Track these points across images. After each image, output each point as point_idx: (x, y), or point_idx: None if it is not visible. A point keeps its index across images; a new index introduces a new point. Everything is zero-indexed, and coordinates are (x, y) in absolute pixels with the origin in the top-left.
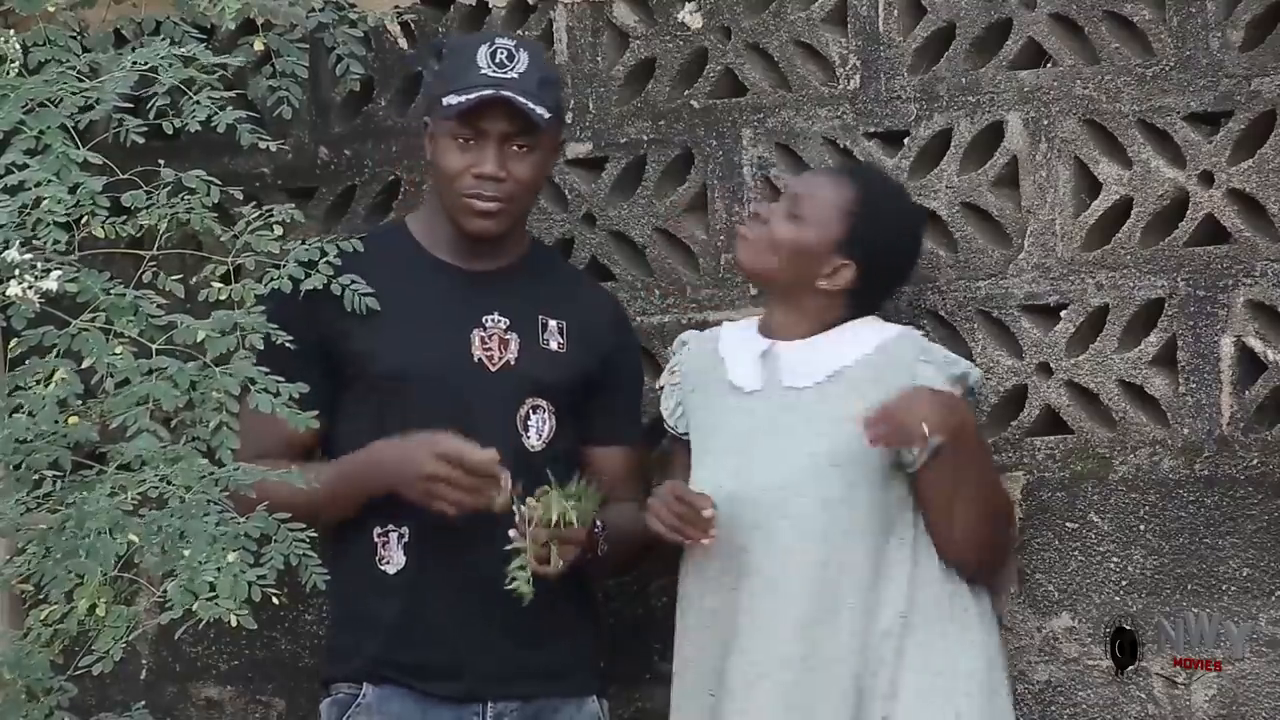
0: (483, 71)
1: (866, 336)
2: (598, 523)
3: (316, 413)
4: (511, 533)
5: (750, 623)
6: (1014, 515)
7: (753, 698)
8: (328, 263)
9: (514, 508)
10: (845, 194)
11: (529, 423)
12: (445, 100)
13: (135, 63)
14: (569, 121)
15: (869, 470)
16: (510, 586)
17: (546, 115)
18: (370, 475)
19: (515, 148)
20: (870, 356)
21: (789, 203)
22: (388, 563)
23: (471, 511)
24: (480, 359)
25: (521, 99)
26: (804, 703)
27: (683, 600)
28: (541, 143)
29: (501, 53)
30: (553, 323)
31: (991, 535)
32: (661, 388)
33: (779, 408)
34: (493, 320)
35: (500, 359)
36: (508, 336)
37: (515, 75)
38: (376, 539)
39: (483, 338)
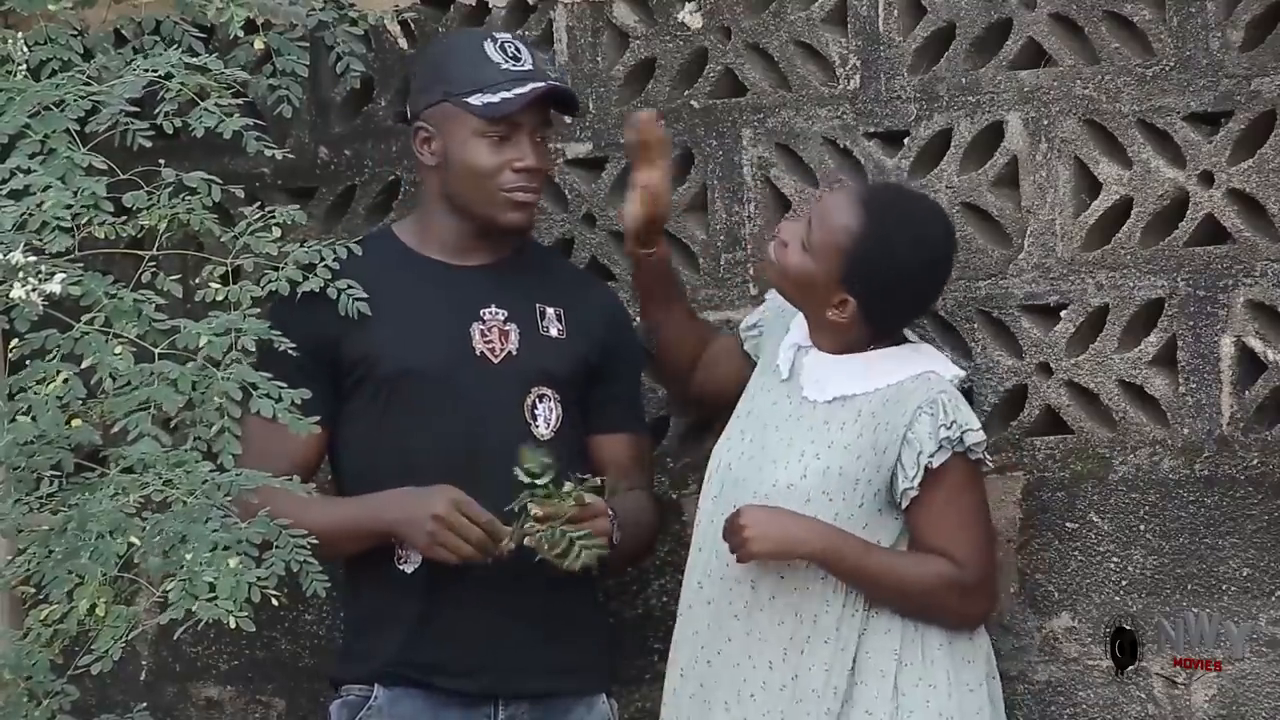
0: (504, 66)
1: (890, 370)
2: (610, 510)
3: (318, 418)
4: (528, 541)
5: (732, 637)
6: (962, 588)
7: (737, 714)
8: (326, 266)
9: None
10: (850, 226)
11: (536, 411)
12: (476, 99)
13: (145, 69)
14: (568, 121)
15: (857, 504)
16: (580, 565)
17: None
18: (379, 511)
19: (539, 138)
20: (882, 391)
21: (805, 228)
22: (405, 561)
23: (467, 560)
24: (482, 352)
25: (573, 93)
26: None
27: (686, 572)
28: (551, 131)
29: (510, 46)
30: (550, 310)
31: (928, 616)
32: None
33: (793, 412)
34: (490, 312)
35: (502, 350)
36: (507, 327)
37: (532, 66)
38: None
39: (482, 330)
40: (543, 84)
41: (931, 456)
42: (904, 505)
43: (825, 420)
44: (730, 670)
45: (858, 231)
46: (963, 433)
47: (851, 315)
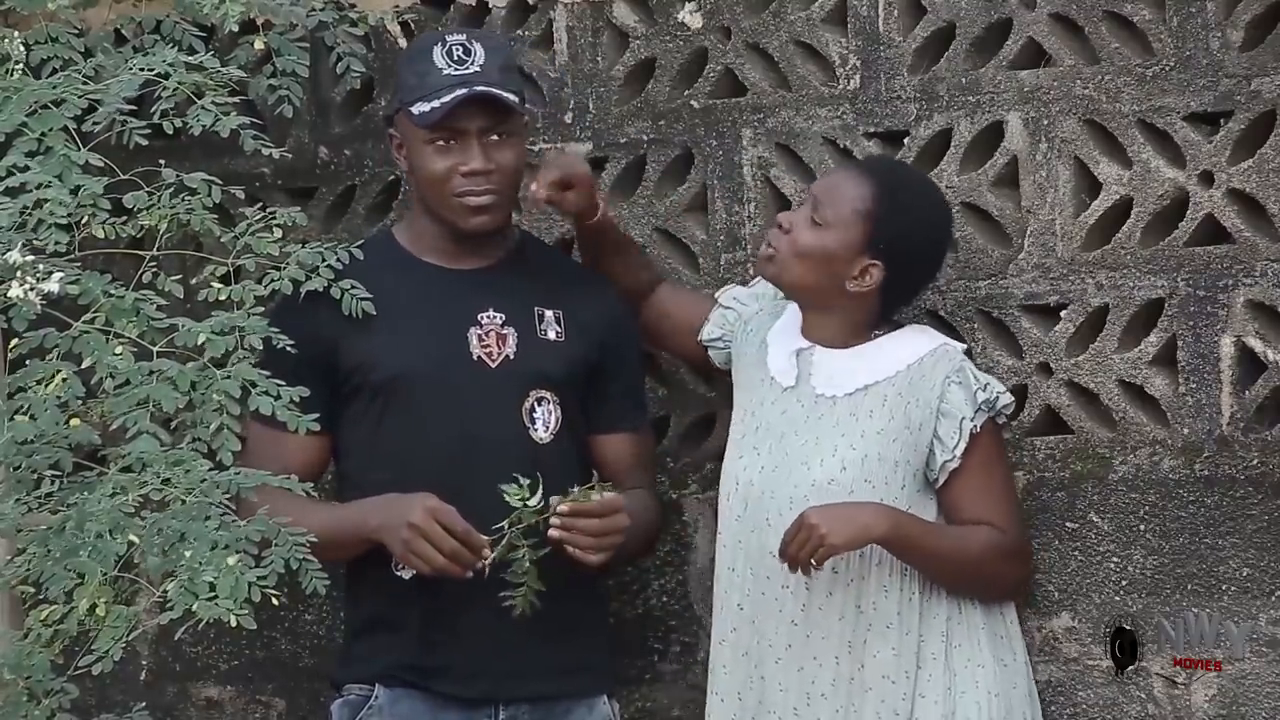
0: (445, 72)
1: (904, 351)
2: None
3: (317, 415)
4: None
5: (791, 643)
6: (1009, 554)
7: (808, 716)
8: (329, 267)
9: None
10: (865, 192)
11: (535, 415)
12: (416, 109)
13: (142, 67)
14: (568, 121)
15: (899, 486)
16: (509, 604)
17: (516, 100)
18: (362, 518)
19: (495, 138)
20: (904, 373)
21: (811, 207)
22: (403, 568)
23: (441, 574)
24: (480, 356)
25: (497, 90)
26: None
27: (717, 599)
28: (517, 128)
29: (458, 49)
30: (549, 313)
31: (980, 587)
32: (716, 301)
33: (811, 413)
34: (488, 317)
35: (500, 354)
36: (505, 331)
37: (478, 68)
38: None
39: (480, 335)
40: (463, 90)
41: (973, 421)
42: (941, 480)
43: (851, 413)
44: (795, 676)
45: (874, 194)
46: (996, 395)
47: (874, 282)
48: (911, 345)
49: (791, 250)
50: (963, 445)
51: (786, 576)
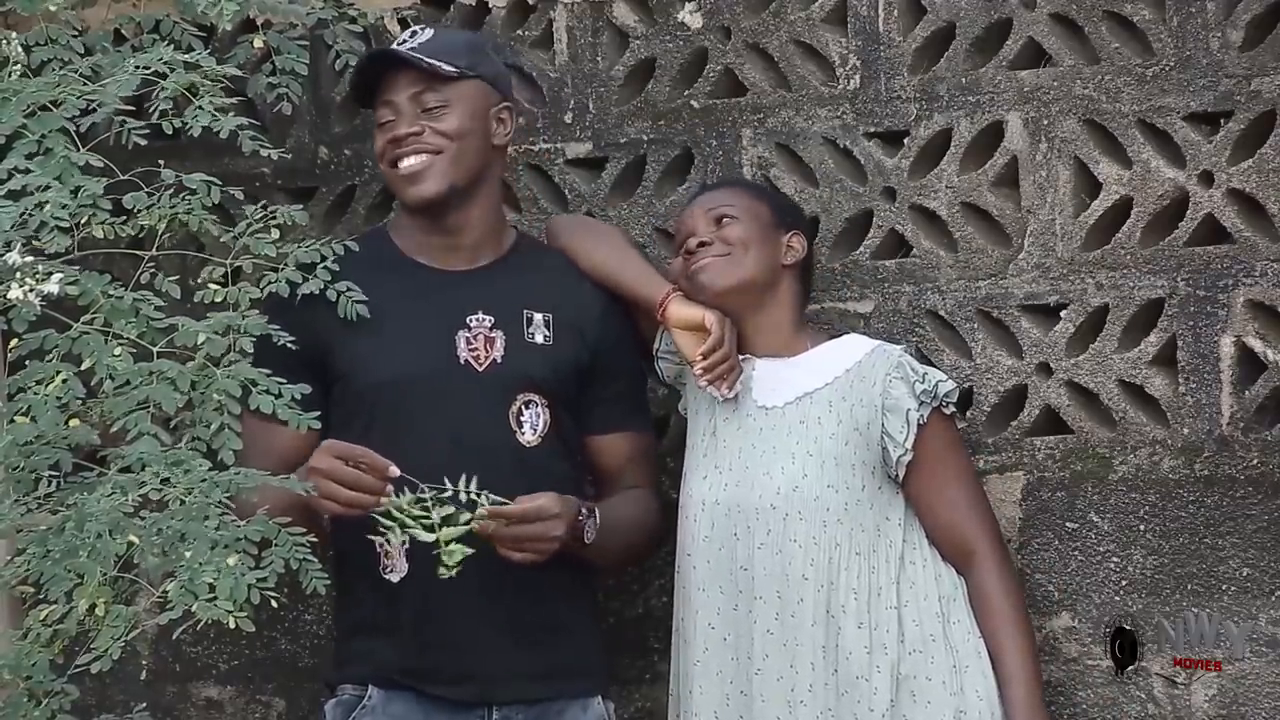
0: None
1: (842, 356)
2: (582, 510)
3: (319, 413)
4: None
5: (769, 653)
6: (1008, 573)
7: None
8: (325, 268)
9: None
10: (743, 189)
11: (522, 419)
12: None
13: (139, 66)
14: (568, 121)
15: (860, 487)
16: (448, 564)
17: (447, 68)
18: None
19: (431, 108)
20: (843, 378)
21: (708, 223)
22: (391, 570)
23: (351, 507)
24: (467, 360)
25: (408, 53)
26: None
27: (685, 619)
28: (461, 98)
29: (406, 32)
30: (538, 316)
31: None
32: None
33: (764, 424)
34: (477, 320)
35: (487, 358)
36: (493, 335)
37: (416, 44)
38: (379, 548)
39: (468, 338)
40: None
41: (919, 412)
42: (901, 474)
43: (800, 420)
44: (775, 685)
45: (752, 189)
46: (935, 384)
47: (803, 250)
48: (849, 350)
49: (729, 249)
50: (911, 437)
51: (759, 588)
